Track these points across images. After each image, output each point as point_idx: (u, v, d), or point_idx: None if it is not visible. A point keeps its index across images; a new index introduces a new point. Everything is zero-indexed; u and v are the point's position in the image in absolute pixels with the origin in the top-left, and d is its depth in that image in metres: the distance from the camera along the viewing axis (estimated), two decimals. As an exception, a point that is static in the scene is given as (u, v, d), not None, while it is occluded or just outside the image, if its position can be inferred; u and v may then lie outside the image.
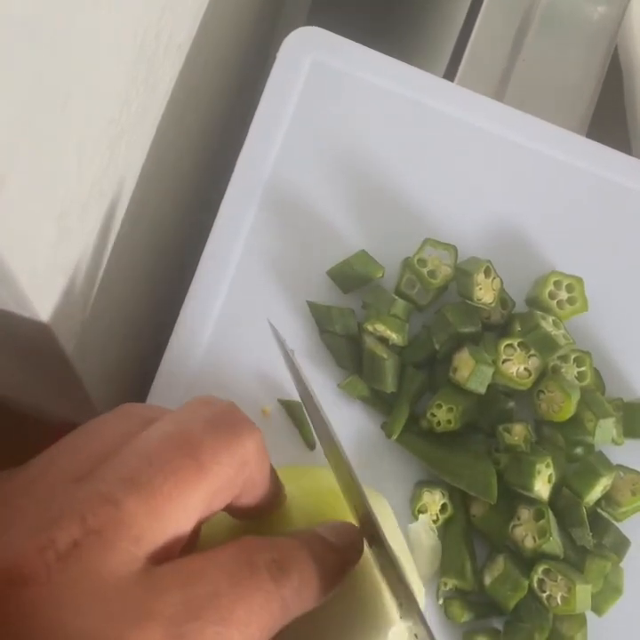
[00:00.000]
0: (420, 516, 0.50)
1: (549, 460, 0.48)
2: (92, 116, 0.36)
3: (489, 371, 0.49)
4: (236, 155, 0.53)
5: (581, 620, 0.48)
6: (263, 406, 0.50)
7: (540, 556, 0.48)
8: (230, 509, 0.35)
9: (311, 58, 0.54)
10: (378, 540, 0.38)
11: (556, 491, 0.49)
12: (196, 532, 0.33)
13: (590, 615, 0.49)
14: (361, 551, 0.38)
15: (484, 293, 0.50)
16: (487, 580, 0.49)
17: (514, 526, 0.49)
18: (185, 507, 0.31)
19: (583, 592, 0.47)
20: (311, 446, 0.50)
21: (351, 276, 0.52)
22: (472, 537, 0.50)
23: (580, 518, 0.49)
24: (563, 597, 0.47)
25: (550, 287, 0.52)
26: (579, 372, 0.51)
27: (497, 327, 0.52)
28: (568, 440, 0.50)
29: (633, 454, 0.52)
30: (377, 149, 0.54)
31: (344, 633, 0.39)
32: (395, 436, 0.50)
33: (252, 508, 0.36)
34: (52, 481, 0.31)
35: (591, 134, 0.59)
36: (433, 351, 0.50)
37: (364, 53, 0.55)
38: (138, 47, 0.38)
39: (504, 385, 0.50)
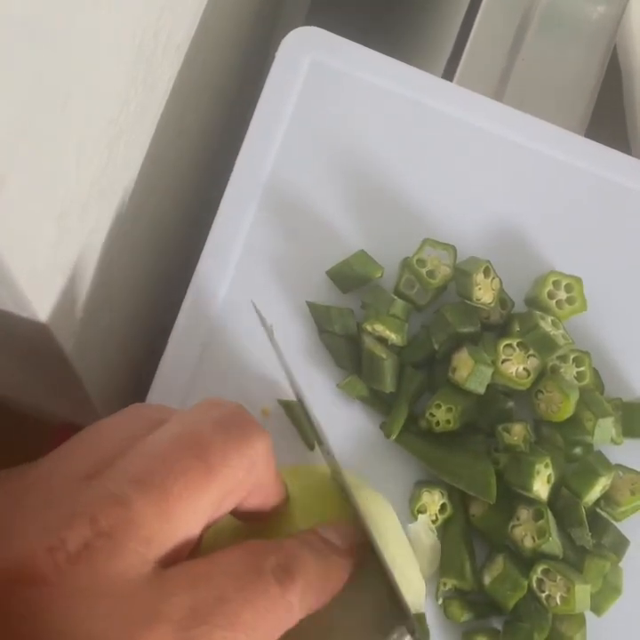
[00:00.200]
0: (420, 515, 0.50)
1: (548, 460, 0.48)
2: (92, 116, 0.36)
3: (488, 371, 0.49)
4: (235, 154, 0.53)
5: (580, 620, 0.48)
6: (263, 406, 0.50)
7: (539, 556, 0.48)
8: (236, 512, 0.35)
9: (310, 58, 0.54)
10: (369, 544, 0.38)
11: (555, 491, 0.49)
12: (202, 534, 0.33)
13: (589, 615, 0.49)
14: (364, 552, 0.38)
15: (484, 293, 0.50)
16: (486, 580, 0.49)
17: (513, 526, 0.49)
18: (195, 508, 0.31)
19: (582, 592, 0.47)
20: (311, 446, 0.50)
21: (350, 276, 0.52)
22: (471, 537, 0.50)
23: (579, 518, 0.49)
24: (562, 597, 0.47)
25: (549, 287, 0.52)
26: (578, 372, 0.51)
27: (496, 327, 0.52)
28: (567, 440, 0.50)
29: (632, 454, 0.52)
30: (376, 149, 0.54)
31: (346, 634, 0.39)
32: (394, 436, 0.50)
33: (258, 511, 0.36)
34: (61, 480, 0.31)
35: (590, 134, 0.59)
36: (432, 351, 0.50)
37: (363, 53, 0.55)
38: (137, 47, 0.38)
39: (503, 385, 0.50)
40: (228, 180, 0.53)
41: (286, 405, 0.50)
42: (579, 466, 0.50)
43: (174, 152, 0.54)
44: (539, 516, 0.48)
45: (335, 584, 0.35)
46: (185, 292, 0.51)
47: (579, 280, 0.52)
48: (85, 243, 0.41)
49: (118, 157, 0.41)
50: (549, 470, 0.48)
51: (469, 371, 0.49)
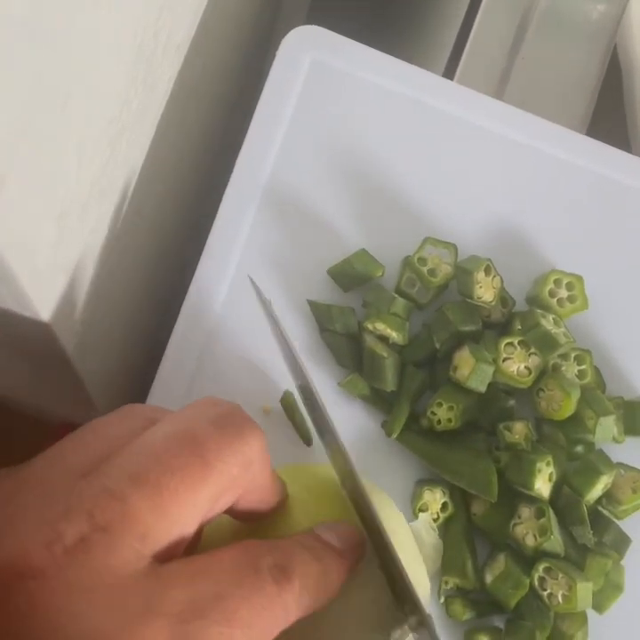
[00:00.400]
0: (421, 514, 0.50)
1: (550, 459, 0.48)
2: (92, 116, 0.36)
3: (489, 369, 0.49)
4: (235, 154, 0.53)
5: (582, 618, 0.48)
6: (264, 404, 0.50)
7: (540, 555, 0.48)
8: (233, 511, 0.35)
9: (311, 57, 0.54)
10: (378, 536, 0.38)
11: (556, 489, 0.49)
12: (198, 532, 0.33)
13: (591, 613, 0.49)
14: (363, 552, 0.38)
15: (485, 292, 0.50)
16: (488, 579, 0.49)
17: (515, 524, 0.49)
18: (190, 505, 0.31)
19: (584, 590, 0.47)
20: (308, 442, 0.50)
21: (351, 275, 0.52)
22: (473, 535, 0.50)
23: (580, 516, 0.49)
24: (564, 595, 0.47)
25: (550, 285, 0.52)
26: (579, 371, 0.51)
27: (497, 325, 0.52)
28: (569, 438, 0.50)
29: (633, 452, 0.52)
30: (377, 148, 0.54)
31: (347, 634, 0.39)
32: (395, 435, 0.50)
33: (254, 511, 0.36)
34: (58, 476, 0.31)
35: (591, 132, 0.59)
36: (433, 350, 0.50)
37: (363, 52, 0.55)
38: (137, 47, 0.38)
39: (504, 383, 0.50)
40: (228, 180, 0.53)
41: (285, 403, 0.50)
42: (580, 464, 0.50)
43: (174, 152, 0.54)
44: (540, 514, 0.48)
45: (333, 585, 0.35)
46: (185, 293, 0.51)
47: (580, 278, 0.52)
48: (86, 243, 0.41)
49: (119, 157, 0.41)
50: (551, 469, 0.48)
51: (471, 369, 0.49)
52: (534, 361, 0.50)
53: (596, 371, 0.52)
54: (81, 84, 0.33)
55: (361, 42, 0.55)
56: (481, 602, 0.49)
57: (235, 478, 0.33)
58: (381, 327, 0.50)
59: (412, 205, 0.54)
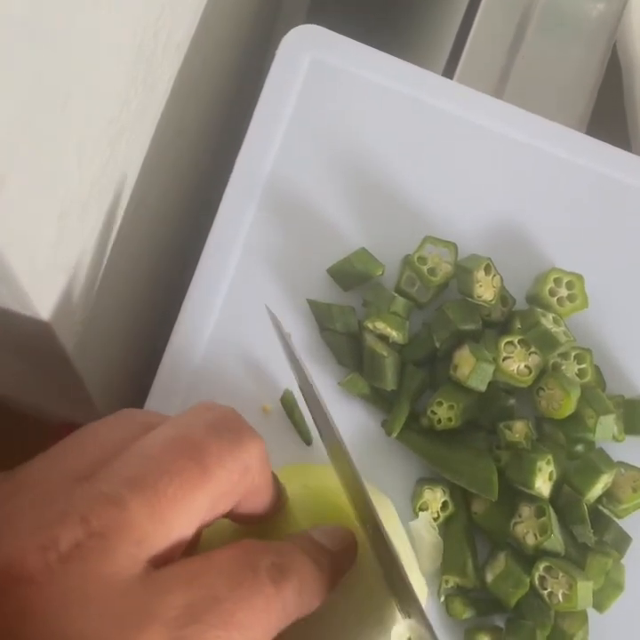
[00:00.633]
0: (421, 513, 0.50)
1: (550, 458, 0.48)
2: (92, 116, 0.36)
3: (489, 368, 0.49)
4: (235, 153, 0.53)
5: (583, 617, 0.48)
6: (263, 404, 0.50)
7: (541, 554, 0.48)
8: (232, 515, 0.35)
9: (310, 56, 0.54)
10: (378, 535, 0.38)
11: (556, 488, 0.49)
12: (197, 534, 0.33)
13: (592, 612, 0.49)
14: (354, 555, 0.38)
15: (485, 291, 0.50)
16: (489, 578, 0.49)
17: (515, 523, 0.49)
18: (188, 510, 0.31)
19: (584, 589, 0.47)
20: (308, 442, 0.50)
21: (351, 274, 0.52)
22: (473, 534, 0.50)
23: (581, 515, 0.49)
24: (564, 594, 0.47)
25: (550, 284, 0.52)
26: (579, 370, 0.51)
27: (497, 324, 0.52)
28: (569, 437, 0.50)
29: (634, 451, 0.52)
30: (376, 147, 0.54)
31: (346, 633, 0.39)
32: (395, 434, 0.50)
33: (252, 515, 0.36)
34: (53, 481, 0.31)
35: (590, 131, 0.59)
36: (433, 349, 0.50)
37: (363, 51, 0.55)
38: (137, 47, 0.38)
39: (505, 382, 0.50)
40: (227, 179, 0.53)
41: (285, 403, 0.50)
42: (580, 463, 0.50)
43: (174, 151, 0.54)
44: (540, 513, 0.48)
45: (327, 586, 0.35)
46: (185, 292, 0.51)
47: (580, 277, 0.52)
48: (86, 242, 0.41)
49: (119, 157, 0.41)
50: (551, 467, 0.48)
51: (471, 368, 0.49)
52: (534, 360, 0.50)
53: (597, 369, 0.52)
54: (81, 84, 0.33)
55: (361, 41, 0.55)
56: (481, 601, 0.49)
57: (233, 483, 0.33)
58: (381, 326, 0.50)
59: (411, 204, 0.54)
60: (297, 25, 0.55)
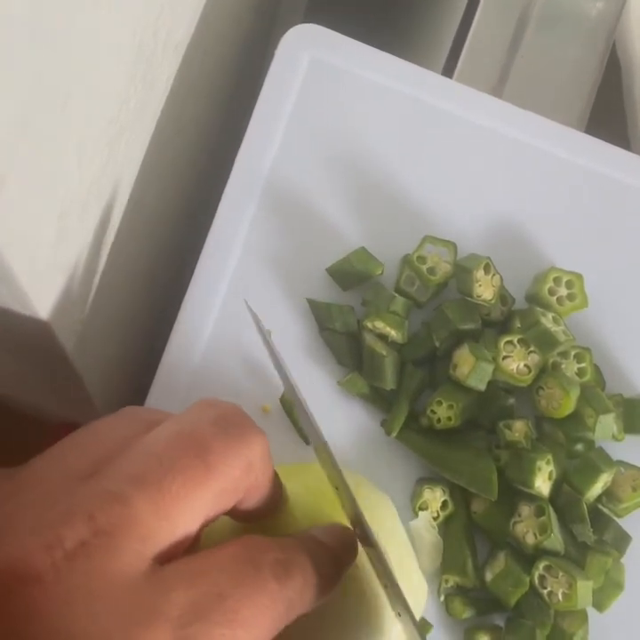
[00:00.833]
0: (421, 513, 0.50)
1: (550, 457, 0.48)
2: (92, 116, 0.36)
3: (489, 367, 0.49)
4: (234, 152, 0.53)
5: (583, 616, 0.48)
6: (263, 404, 0.50)
7: (541, 553, 0.48)
8: (233, 513, 0.35)
9: (309, 55, 0.54)
10: (368, 540, 0.38)
11: (556, 487, 0.49)
12: (199, 531, 0.33)
13: (591, 611, 0.49)
14: (355, 553, 0.38)
15: (484, 290, 0.50)
16: (488, 577, 0.49)
17: (515, 523, 0.49)
18: (192, 507, 0.31)
19: (584, 588, 0.47)
20: (307, 441, 0.50)
21: (351, 274, 0.52)
22: (473, 534, 0.50)
23: (580, 514, 0.49)
24: (564, 593, 0.47)
25: (550, 283, 0.52)
26: (579, 369, 0.51)
27: (497, 324, 0.52)
28: (568, 436, 0.50)
29: (633, 450, 0.52)
30: (376, 147, 0.54)
31: (347, 632, 0.39)
32: (395, 434, 0.50)
33: (254, 512, 0.36)
34: (57, 479, 0.31)
35: (590, 130, 0.59)
36: (433, 348, 0.50)
37: (362, 50, 0.55)
38: (136, 46, 0.38)
39: (504, 381, 0.50)
40: (227, 178, 0.53)
41: (286, 404, 0.50)
42: (580, 462, 0.50)
43: (173, 151, 0.54)
44: (540, 512, 0.48)
45: (329, 583, 0.35)
46: (185, 291, 0.51)
47: (579, 276, 0.52)
48: (86, 242, 0.41)
49: (118, 157, 0.41)
50: (551, 467, 0.48)
51: (470, 367, 0.49)
52: (534, 359, 0.50)
53: (596, 369, 0.52)
54: (81, 84, 0.33)
55: (360, 40, 0.55)
56: (481, 600, 0.49)
57: (237, 480, 0.33)
58: (381, 326, 0.50)
59: (411, 203, 0.54)
60: (296, 24, 0.55)
